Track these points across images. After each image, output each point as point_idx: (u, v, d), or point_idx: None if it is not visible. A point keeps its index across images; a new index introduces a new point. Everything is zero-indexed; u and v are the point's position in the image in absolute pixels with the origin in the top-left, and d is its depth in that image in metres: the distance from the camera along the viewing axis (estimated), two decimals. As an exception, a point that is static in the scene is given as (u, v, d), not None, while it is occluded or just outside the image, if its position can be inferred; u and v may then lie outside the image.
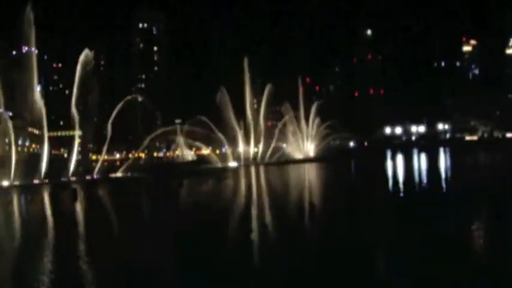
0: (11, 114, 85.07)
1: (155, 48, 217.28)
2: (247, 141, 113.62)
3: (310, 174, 75.67)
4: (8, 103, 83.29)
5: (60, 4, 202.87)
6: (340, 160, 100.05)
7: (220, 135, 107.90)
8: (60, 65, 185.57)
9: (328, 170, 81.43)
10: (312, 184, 57.00)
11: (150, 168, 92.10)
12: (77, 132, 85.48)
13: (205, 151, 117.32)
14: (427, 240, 21.80)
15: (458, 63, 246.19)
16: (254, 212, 34.21)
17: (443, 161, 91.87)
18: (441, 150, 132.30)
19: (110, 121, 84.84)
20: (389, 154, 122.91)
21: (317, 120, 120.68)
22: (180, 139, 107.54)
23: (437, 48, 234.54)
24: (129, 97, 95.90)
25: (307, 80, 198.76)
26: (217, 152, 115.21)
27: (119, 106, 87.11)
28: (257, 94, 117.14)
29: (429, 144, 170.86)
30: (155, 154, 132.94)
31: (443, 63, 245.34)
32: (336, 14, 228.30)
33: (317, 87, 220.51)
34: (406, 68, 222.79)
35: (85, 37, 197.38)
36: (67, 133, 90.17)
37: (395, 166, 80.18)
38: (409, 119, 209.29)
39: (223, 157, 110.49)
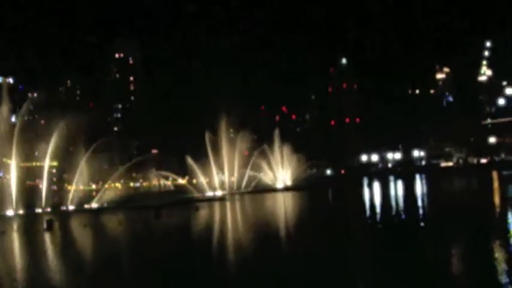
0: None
1: (131, 78, 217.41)
2: (223, 171, 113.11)
3: (287, 203, 75.67)
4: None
5: (35, 33, 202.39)
6: (318, 188, 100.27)
7: (193, 165, 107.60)
8: (35, 94, 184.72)
9: (306, 199, 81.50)
10: (288, 214, 56.90)
11: (127, 199, 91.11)
12: (51, 163, 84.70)
13: (182, 181, 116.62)
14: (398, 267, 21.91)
15: (432, 91, 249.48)
16: (227, 243, 34.01)
17: (419, 187, 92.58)
18: (417, 177, 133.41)
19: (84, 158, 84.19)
20: (366, 182, 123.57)
21: (292, 150, 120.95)
22: (154, 170, 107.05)
23: (412, 76, 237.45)
24: (104, 139, 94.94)
25: (284, 109, 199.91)
26: (194, 181, 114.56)
27: (93, 146, 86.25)
28: (233, 123, 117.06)
29: (405, 171, 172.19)
30: (131, 184, 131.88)
31: (417, 91, 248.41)
32: (311, 42, 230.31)
33: (293, 116, 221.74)
34: (381, 96, 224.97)
35: (61, 66, 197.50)
36: (41, 164, 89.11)
37: (373, 194, 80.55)
38: (385, 147, 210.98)
39: (199, 187, 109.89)
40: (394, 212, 47.31)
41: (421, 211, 47.39)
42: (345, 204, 63.42)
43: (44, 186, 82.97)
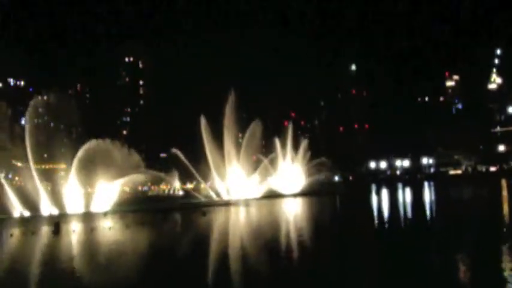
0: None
1: (141, 82, 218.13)
2: (229, 176, 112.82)
3: (298, 209, 75.56)
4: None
5: (46, 36, 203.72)
6: (326, 195, 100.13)
7: (193, 171, 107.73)
8: (45, 97, 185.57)
9: (316, 205, 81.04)
10: (304, 221, 56.50)
11: (136, 203, 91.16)
12: (60, 166, 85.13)
13: (190, 185, 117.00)
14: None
15: (441, 98, 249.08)
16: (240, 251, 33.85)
17: (428, 195, 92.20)
18: (426, 184, 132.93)
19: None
20: (375, 188, 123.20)
21: (305, 156, 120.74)
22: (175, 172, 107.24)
23: (421, 83, 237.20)
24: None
25: (293, 114, 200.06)
26: (202, 186, 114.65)
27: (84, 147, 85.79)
28: (242, 128, 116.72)
29: (414, 178, 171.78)
30: (139, 188, 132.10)
31: (427, 98, 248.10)
32: (321, 49, 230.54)
33: (303, 122, 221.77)
34: (390, 103, 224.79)
35: (72, 70, 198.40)
36: (51, 166, 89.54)
37: (382, 201, 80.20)
38: (394, 154, 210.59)
39: (207, 192, 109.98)
40: (411, 220, 47.00)
41: (434, 219, 47.29)
42: (358, 211, 62.89)
43: (52, 188, 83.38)
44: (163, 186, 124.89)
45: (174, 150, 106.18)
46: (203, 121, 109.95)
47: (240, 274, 25.01)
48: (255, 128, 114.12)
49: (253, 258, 29.56)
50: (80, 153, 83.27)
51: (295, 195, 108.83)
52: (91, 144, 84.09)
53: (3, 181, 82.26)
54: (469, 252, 28.06)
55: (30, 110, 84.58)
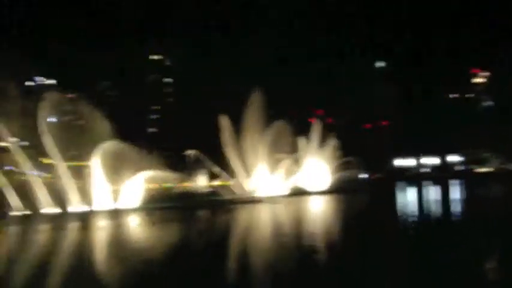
0: (23, 144, 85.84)
1: (168, 79, 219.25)
2: (256, 173, 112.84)
3: (329, 207, 75.02)
4: (20, 133, 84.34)
5: (72, 34, 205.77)
6: (354, 192, 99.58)
7: (219, 168, 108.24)
8: (73, 95, 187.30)
9: (345, 203, 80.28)
10: (334, 218, 56.06)
11: (163, 200, 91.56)
12: (88, 163, 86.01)
13: (217, 182, 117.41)
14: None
15: (470, 95, 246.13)
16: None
17: (458, 193, 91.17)
18: (454, 182, 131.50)
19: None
20: (402, 186, 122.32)
21: (332, 154, 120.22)
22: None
23: (450, 79, 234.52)
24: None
25: (320, 112, 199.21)
26: (230, 183, 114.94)
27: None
28: (268, 125, 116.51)
29: (441, 176, 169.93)
30: (166, 184, 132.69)
31: (455, 95, 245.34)
32: (348, 45, 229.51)
33: (329, 120, 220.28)
34: (418, 100, 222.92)
35: (99, 67, 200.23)
36: (78, 163, 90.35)
37: (412, 200, 79.46)
38: (421, 151, 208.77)
39: (234, 189, 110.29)
40: (447, 219, 46.33)
41: (467, 218, 46.81)
42: (389, 209, 61.99)
43: (80, 185, 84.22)
44: (190, 183, 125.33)
45: (191, 152, 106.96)
46: (225, 120, 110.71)
47: (275, 273, 24.85)
48: (281, 126, 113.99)
49: (287, 255, 29.36)
50: (98, 152, 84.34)
51: (321, 193, 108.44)
52: (107, 145, 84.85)
53: (33, 178, 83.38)
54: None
55: (45, 104, 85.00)
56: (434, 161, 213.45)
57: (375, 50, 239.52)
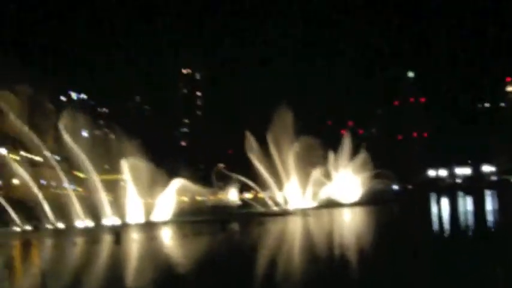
0: (58, 158, 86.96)
1: (198, 93, 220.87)
2: (286, 185, 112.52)
3: (364, 220, 74.04)
4: (53, 147, 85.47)
5: (106, 49, 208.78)
6: (386, 204, 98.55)
7: (248, 181, 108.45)
8: (105, 109, 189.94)
9: (378, 215, 79.07)
10: (369, 231, 55.09)
11: (193, 212, 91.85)
12: (120, 177, 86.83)
13: (248, 195, 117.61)
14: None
15: (503, 104, 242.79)
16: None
17: (493, 203, 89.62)
18: (489, 193, 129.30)
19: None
20: (435, 198, 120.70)
21: (364, 166, 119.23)
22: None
23: (481, 89, 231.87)
24: None
25: (350, 123, 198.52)
26: (260, 195, 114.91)
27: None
28: (299, 137, 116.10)
29: (475, 186, 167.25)
30: (198, 197, 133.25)
31: (487, 104, 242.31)
32: (377, 55, 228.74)
33: (360, 131, 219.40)
34: (449, 110, 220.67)
35: (128, 82, 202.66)
36: (112, 177, 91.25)
37: (446, 211, 78.17)
38: (454, 162, 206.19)
39: (265, 201, 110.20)
40: (485, 232, 45.13)
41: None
42: (423, 221, 60.69)
43: (113, 199, 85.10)
44: (221, 196, 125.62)
45: (221, 165, 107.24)
46: (250, 137, 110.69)
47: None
48: (311, 137, 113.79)
49: (323, 268, 29.07)
50: (130, 165, 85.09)
51: (352, 205, 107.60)
52: (138, 159, 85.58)
53: (66, 192, 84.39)
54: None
55: (64, 118, 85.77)
56: (467, 171, 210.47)
57: (406, 60, 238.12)
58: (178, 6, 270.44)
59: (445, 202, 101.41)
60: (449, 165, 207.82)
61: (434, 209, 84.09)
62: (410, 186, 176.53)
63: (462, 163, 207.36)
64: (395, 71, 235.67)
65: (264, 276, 27.09)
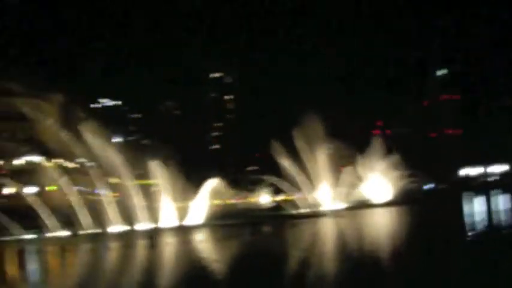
0: (91, 164, 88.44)
1: (228, 97, 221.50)
2: (317, 186, 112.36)
3: (398, 220, 72.85)
4: (87, 154, 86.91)
5: (136, 56, 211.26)
6: (419, 204, 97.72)
7: (280, 183, 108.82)
8: (138, 115, 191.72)
9: (411, 215, 77.73)
10: (404, 232, 53.77)
11: (226, 216, 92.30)
12: (152, 182, 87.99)
13: (281, 197, 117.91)
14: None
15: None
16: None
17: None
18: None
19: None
20: (470, 197, 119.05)
21: (395, 166, 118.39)
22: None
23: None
24: None
25: (379, 123, 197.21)
26: (291, 197, 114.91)
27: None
28: (330, 138, 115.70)
29: (510, 185, 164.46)
30: (229, 201, 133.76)
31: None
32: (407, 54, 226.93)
33: (388, 131, 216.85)
34: (482, 107, 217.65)
35: (161, 88, 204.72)
36: (145, 182, 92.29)
37: (481, 209, 77.12)
38: (488, 160, 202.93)
39: (297, 203, 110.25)
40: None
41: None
42: (457, 220, 59.71)
43: (146, 203, 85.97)
44: (253, 199, 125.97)
45: (253, 168, 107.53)
46: (276, 144, 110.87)
47: None
48: (343, 138, 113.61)
49: (359, 268, 28.93)
50: (163, 170, 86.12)
51: (384, 205, 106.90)
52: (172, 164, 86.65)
53: (101, 197, 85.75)
54: None
55: (96, 125, 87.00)
56: (503, 168, 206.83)
57: (436, 57, 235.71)
58: (205, 10, 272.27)
59: (478, 201, 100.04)
60: (483, 163, 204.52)
61: (467, 208, 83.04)
62: (444, 185, 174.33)
63: (497, 161, 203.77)
64: (427, 68, 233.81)
65: (301, 279, 27.12)
